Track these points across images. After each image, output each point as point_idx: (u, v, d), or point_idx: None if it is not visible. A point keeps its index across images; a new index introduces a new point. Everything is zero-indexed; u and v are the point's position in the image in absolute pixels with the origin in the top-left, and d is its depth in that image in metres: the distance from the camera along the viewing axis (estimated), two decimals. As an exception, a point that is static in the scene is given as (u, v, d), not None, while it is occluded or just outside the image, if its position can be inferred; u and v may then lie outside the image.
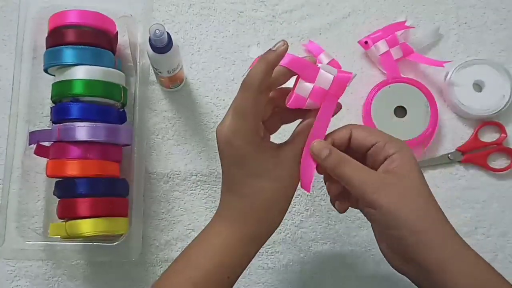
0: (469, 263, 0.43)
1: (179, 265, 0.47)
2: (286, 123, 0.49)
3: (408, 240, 0.42)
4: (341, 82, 0.45)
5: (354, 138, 0.45)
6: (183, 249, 0.64)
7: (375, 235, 0.48)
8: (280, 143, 0.47)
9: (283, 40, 0.43)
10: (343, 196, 0.48)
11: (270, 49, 0.43)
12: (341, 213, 0.49)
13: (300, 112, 0.47)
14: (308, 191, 0.46)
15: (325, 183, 0.48)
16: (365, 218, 0.68)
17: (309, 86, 0.45)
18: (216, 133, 0.45)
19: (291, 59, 0.45)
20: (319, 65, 0.46)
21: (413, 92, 0.67)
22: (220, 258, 0.45)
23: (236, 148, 0.44)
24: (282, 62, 0.44)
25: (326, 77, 0.45)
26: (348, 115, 0.69)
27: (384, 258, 0.67)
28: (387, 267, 0.65)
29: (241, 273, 0.47)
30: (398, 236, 0.42)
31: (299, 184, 0.47)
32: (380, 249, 0.47)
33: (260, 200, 0.45)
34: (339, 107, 0.47)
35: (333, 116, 0.46)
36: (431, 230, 0.42)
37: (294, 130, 0.47)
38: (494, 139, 0.68)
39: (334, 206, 0.49)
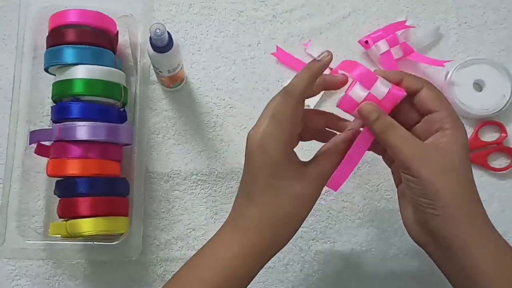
0: (493, 249, 0.43)
1: (183, 277, 0.46)
2: (311, 140, 0.50)
3: (438, 211, 0.42)
4: (394, 97, 0.46)
5: (421, 96, 0.45)
6: (183, 248, 0.65)
7: (399, 203, 0.48)
8: (305, 161, 0.47)
9: (327, 50, 0.44)
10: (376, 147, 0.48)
11: (314, 59, 0.44)
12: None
13: (328, 134, 0.49)
14: (336, 190, 0.47)
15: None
16: (367, 216, 0.68)
17: (364, 91, 0.45)
18: (248, 137, 0.44)
19: (347, 64, 0.46)
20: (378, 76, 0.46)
21: (413, 92, 0.67)
22: (229, 271, 0.44)
23: (269, 154, 0.43)
24: (336, 68, 0.46)
25: (382, 87, 0.45)
26: (348, 115, 0.68)
27: (383, 260, 0.67)
28: (387, 267, 0.66)
29: (247, 285, 0.46)
30: (429, 205, 0.43)
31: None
32: (403, 218, 0.48)
33: (281, 213, 0.44)
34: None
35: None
36: (462, 209, 0.42)
37: (319, 150, 0.48)
38: (494, 139, 0.68)
39: None
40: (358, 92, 0.45)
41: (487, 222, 0.43)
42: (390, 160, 0.50)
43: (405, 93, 0.45)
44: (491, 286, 0.41)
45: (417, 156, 0.42)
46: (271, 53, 0.70)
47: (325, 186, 0.47)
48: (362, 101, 0.45)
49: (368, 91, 0.45)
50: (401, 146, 0.43)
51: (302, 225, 0.65)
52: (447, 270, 0.45)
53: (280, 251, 0.65)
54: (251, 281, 0.46)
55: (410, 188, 0.44)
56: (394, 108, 0.46)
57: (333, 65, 0.46)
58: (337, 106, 0.46)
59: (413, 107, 0.46)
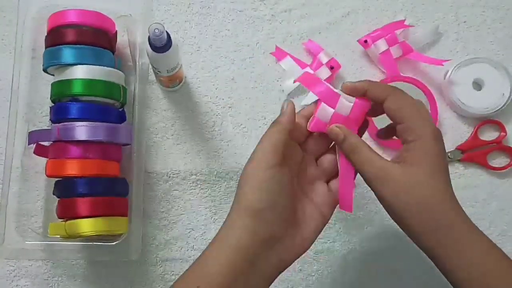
0: (474, 258, 0.43)
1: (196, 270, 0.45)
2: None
3: (407, 230, 0.44)
4: (361, 109, 0.47)
5: (385, 108, 0.45)
6: (182, 248, 0.65)
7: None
8: None
9: (287, 101, 0.47)
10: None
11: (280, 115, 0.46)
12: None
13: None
14: (351, 211, 0.48)
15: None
16: (366, 216, 0.68)
17: (329, 111, 0.47)
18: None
19: (309, 78, 0.48)
20: (337, 91, 0.47)
21: (412, 91, 0.67)
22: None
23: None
24: (298, 79, 0.48)
25: (345, 104, 0.46)
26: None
27: (383, 259, 0.67)
28: (387, 266, 0.66)
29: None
30: (399, 224, 0.45)
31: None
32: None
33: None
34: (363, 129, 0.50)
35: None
36: (430, 224, 0.43)
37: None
38: (494, 138, 0.68)
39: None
40: (324, 113, 0.47)
41: (465, 228, 0.43)
42: None
43: (370, 103, 0.47)
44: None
45: (380, 176, 0.43)
46: (270, 53, 0.70)
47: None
48: (330, 120, 0.47)
49: (333, 110, 0.46)
50: (364, 166, 0.44)
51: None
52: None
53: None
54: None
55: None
56: (364, 118, 0.47)
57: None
58: (308, 129, 0.47)
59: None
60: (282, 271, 0.46)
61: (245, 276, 0.43)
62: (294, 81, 0.48)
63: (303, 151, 0.49)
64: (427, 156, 0.43)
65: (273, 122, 0.46)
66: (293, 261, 0.46)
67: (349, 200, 0.48)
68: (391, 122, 0.47)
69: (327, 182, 0.49)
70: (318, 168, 0.49)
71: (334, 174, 0.49)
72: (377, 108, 0.47)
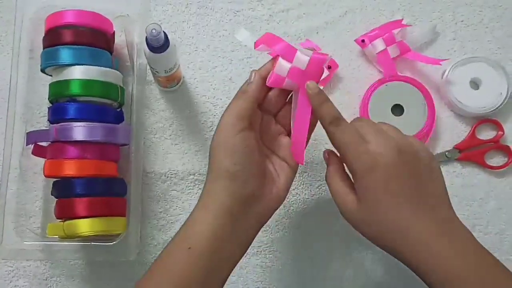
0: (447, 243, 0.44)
1: (169, 248, 0.48)
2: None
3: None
4: (317, 63, 0.49)
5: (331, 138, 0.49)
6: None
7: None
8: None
9: (252, 71, 0.50)
10: None
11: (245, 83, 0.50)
12: None
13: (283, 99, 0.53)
14: (302, 163, 0.50)
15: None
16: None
17: (287, 65, 0.49)
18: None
19: (270, 37, 0.50)
20: (298, 47, 0.49)
21: (410, 91, 0.67)
22: (212, 234, 0.46)
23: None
24: (259, 41, 0.50)
25: (302, 57, 0.48)
26: (345, 113, 0.67)
27: (382, 258, 0.67)
28: (386, 265, 0.66)
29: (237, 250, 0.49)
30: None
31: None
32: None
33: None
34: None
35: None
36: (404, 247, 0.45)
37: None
38: (491, 137, 0.68)
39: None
40: (282, 67, 0.49)
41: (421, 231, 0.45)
42: None
43: (329, 55, 0.49)
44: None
45: (351, 211, 0.48)
46: (268, 53, 0.69)
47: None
48: (287, 74, 0.49)
49: (291, 65, 0.48)
50: (335, 197, 0.50)
51: (300, 224, 0.66)
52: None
53: (278, 250, 0.65)
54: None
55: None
56: (321, 71, 0.49)
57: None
58: (267, 84, 0.50)
59: None
60: (264, 224, 0.51)
61: (231, 233, 0.47)
62: (255, 43, 0.51)
63: (262, 110, 0.52)
64: (366, 192, 0.46)
65: (240, 91, 0.50)
66: (272, 214, 0.51)
67: (301, 151, 0.50)
68: None
69: (288, 135, 0.53)
70: (277, 124, 0.53)
71: None
72: None
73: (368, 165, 0.45)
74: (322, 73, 0.50)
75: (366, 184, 0.45)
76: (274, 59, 0.50)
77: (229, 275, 0.49)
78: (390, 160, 0.45)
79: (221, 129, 0.48)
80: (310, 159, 0.67)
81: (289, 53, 0.49)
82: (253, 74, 0.50)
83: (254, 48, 0.51)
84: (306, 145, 0.50)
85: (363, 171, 0.45)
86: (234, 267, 0.49)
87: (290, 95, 0.53)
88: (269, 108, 0.52)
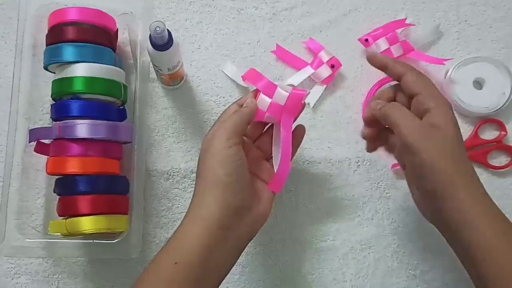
0: (494, 224, 0.46)
1: (157, 261, 0.48)
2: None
3: (438, 193, 0.46)
4: (296, 99, 0.53)
5: (404, 81, 0.50)
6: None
7: (408, 184, 0.52)
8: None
9: (250, 99, 0.53)
10: (376, 140, 0.56)
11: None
12: (369, 152, 0.57)
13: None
14: (279, 191, 0.54)
15: (363, 130, 0.56)
16: (366, 214, 0.68)
17: (267, 100, 0.53)
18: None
19: (254, 74, 0.54)
20: (277, 83, 0.53)
21: (413, 90, 0.67)
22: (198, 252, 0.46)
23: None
24: (244, 76, 0.54)
25: (281, 93, 0.53)
26: (348, 112, 0.69)
27: (382, 257, 0.67)
28: (387, 265, 0.66)
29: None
30: (430, 187, 0.47)
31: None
32: (413, 198, 0.51)
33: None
34: (302, 130, 0.57)
35: (294, 136, 0.54)
36: (461, 186, 0.45)
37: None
38: (494, 137, 0.68)
39: (366, 148, 0.57)
40: (263, 102, 0.53)
41: (485, 196, 0.47)
42: (391, 149, 0.55)
43: (307, 91, 0.53)
44: (488, 255, 0.44)
45: (418, 134, 0.47)
46: (271, 51, 0.69)
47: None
48: (268, 109, 0.53)
49: (271, 100, 0.53)
50: (403, 123, 0.48)
51: (302, 223, 0.66)
52: (454, 248, 0.48)
53: (280, 249, 0.65)
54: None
55: (411, 171, 0.49)
56: (301, 107, 0.54)
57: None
58: None
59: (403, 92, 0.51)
60: (252, 238, 0.51)
61: (219, 246, 0.47)
62: (242, 77, 0.55)
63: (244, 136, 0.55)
64: (449, 119, 0.47)
65: (236, 109, 0.52)
66: (259, 229, 0.52)
67: (282, 182, 0.54)
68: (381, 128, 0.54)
69: (267, 160, 0.57)
70: (258, 150, 0.57)
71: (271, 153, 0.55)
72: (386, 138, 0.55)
73: (449, 103, 0.49)
74: (302, 108, 0.54)
75: (451, 114, 0.48)
76: (256, 94, 0.54)
77: (219, 285, 0.49)
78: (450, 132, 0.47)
79: (214, 140, 0.49)
80: (313, 158, 0.67)
81: (269, 90, 0.53)
82: (251, 100, 0.53)
83: (243, 81, 0.56)
84: (288, 175, 0.53)
85: (447, 103, 0.48)
86: (224, 277, 0.49)
87: (269, 125, 0.57)
88: (250, 134, 0.57)
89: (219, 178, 0.48)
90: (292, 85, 0.54)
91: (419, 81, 0.49)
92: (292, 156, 0.55)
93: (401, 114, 0.49)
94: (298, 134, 0.58)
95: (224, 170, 0.48)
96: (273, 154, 0.55)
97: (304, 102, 0.54)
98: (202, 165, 0.50)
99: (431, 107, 0.48)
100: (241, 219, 0.49)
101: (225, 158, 0.48)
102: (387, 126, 0.52)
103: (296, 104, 0.53)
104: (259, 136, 0.58)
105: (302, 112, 0.56)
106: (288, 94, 0.52)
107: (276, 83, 0.53)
